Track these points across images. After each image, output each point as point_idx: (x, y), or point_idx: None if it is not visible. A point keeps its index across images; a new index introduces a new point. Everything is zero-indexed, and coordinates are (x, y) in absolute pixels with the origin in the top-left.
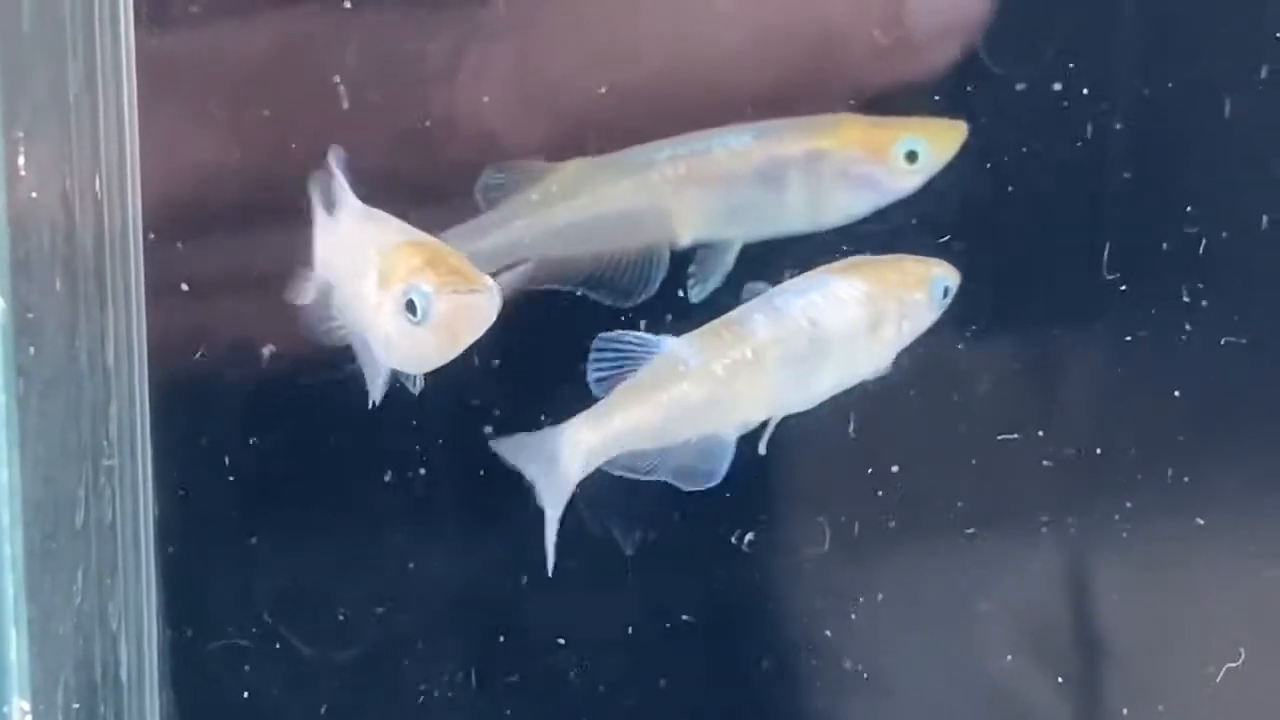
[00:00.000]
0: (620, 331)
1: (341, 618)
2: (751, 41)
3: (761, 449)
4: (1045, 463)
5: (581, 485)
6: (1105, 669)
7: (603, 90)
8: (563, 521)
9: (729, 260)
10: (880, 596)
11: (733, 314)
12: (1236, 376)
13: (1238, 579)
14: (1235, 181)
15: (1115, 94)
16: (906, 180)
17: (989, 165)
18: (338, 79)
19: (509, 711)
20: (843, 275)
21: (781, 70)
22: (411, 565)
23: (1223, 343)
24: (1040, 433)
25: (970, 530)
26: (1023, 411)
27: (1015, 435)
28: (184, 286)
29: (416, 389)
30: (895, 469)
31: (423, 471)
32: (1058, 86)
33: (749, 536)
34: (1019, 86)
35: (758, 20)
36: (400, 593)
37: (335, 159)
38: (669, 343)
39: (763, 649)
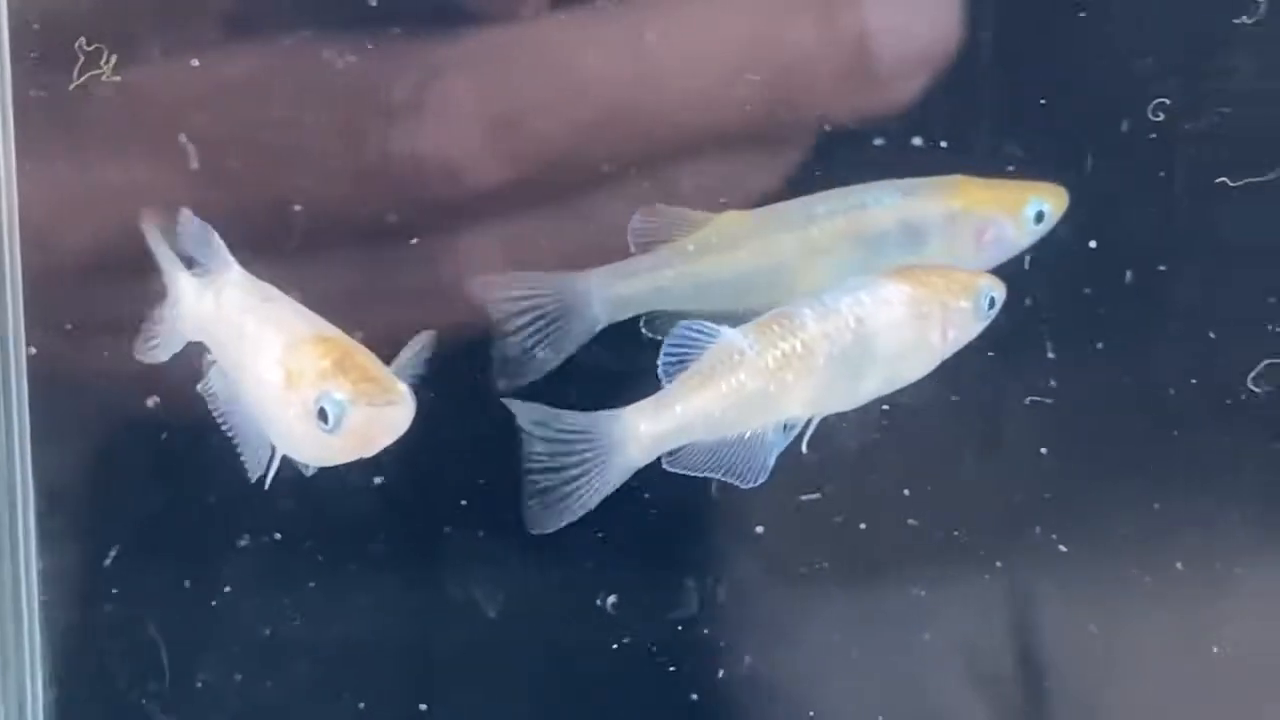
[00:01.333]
0: (690, 322)
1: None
2: (715, 75)
3: (804, 448)
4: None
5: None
6: (1046, 699)
7: (565, 125)
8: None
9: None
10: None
11: (783, 308)
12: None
13: (1180, 611)
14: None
15: None
16: (1029, 238)
17: None
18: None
19: None
20: (891, 278)
21: (746, 104)
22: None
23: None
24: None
25: (915, 565)
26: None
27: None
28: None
29: (309, 472)
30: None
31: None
32: None
33: (611, 599)
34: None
35: (722, 54)
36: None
37: (191, 220)
38: (726, 332)
39: (698, 684)
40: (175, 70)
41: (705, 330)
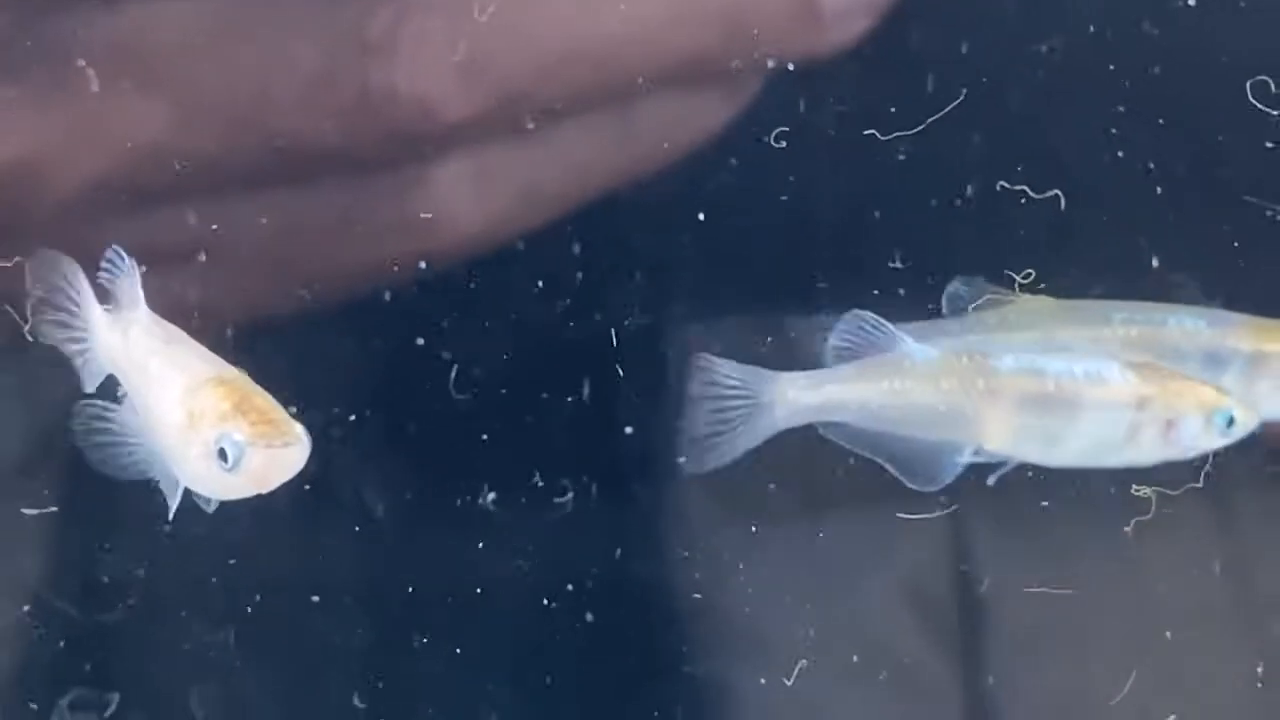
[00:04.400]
0: (871, 315)
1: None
2: (670, 16)
3: (990, 481)
4: None
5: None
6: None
7: (528, 63)
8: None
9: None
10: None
11: (988, 347)
12: None
13: (1119, 551)
14: None
15: None
16: None
17: None
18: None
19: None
20: (1126, 366)
21: (698, 43)
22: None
23: None
24: None
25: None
26: None
27: None
28: None
29: (209, 508)
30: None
31: None
32: None
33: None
34: None
35: None
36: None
37: (118, 256)
38: (910, 344)
39: (646, 616)
40: (157, 9)
41: (882, 330)
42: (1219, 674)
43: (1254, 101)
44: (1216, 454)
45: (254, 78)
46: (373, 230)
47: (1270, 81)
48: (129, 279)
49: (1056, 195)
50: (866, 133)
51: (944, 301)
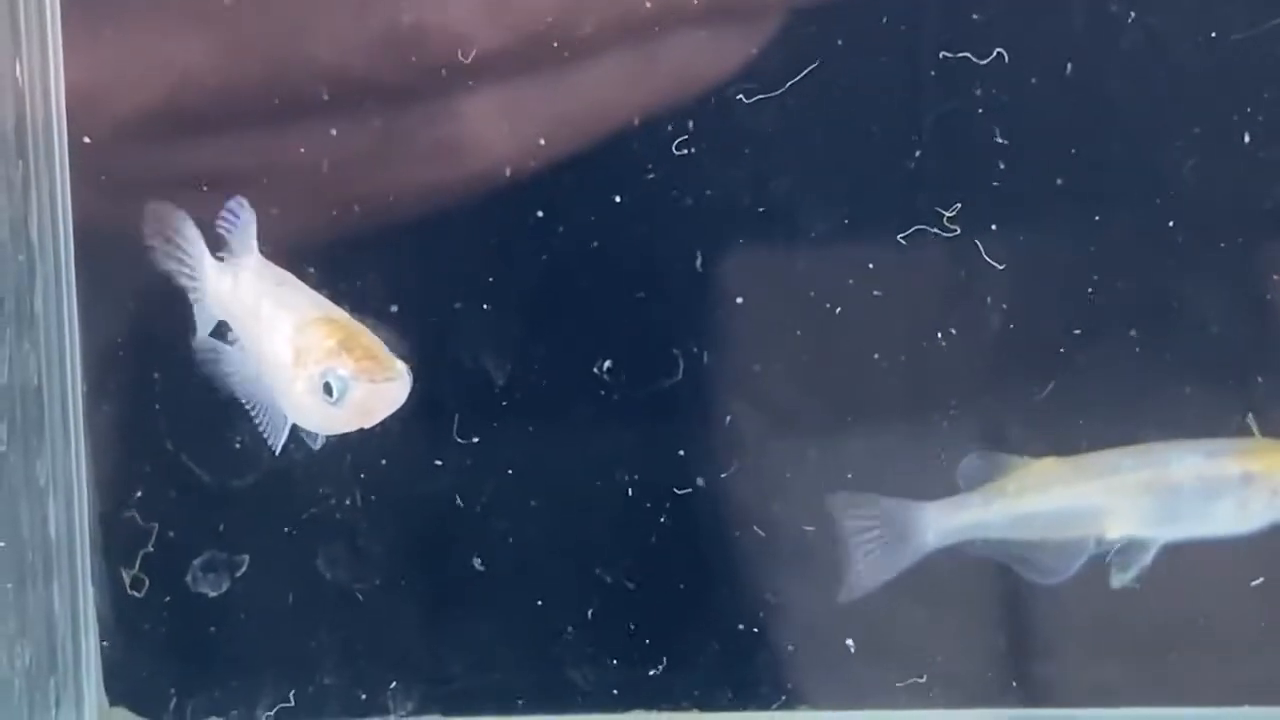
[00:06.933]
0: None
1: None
2: None
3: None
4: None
5: None
6: None
7: None
8: None
9: (1149, 557)
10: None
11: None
12: None
13: None
14: None
15: None
16: None
17: None
18: None
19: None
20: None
21: None
22: None
23: None
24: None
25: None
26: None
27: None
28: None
29: (317, 445)
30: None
31: None
32: None
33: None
34: None
35: None
36: None
37: (239, 205)
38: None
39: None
40: None
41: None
42: None
43: None
44: None
45: (290, 11)
46: (406, 159)
47: None
48: (245, 226)
49: None
50: None
51: (959, 477)
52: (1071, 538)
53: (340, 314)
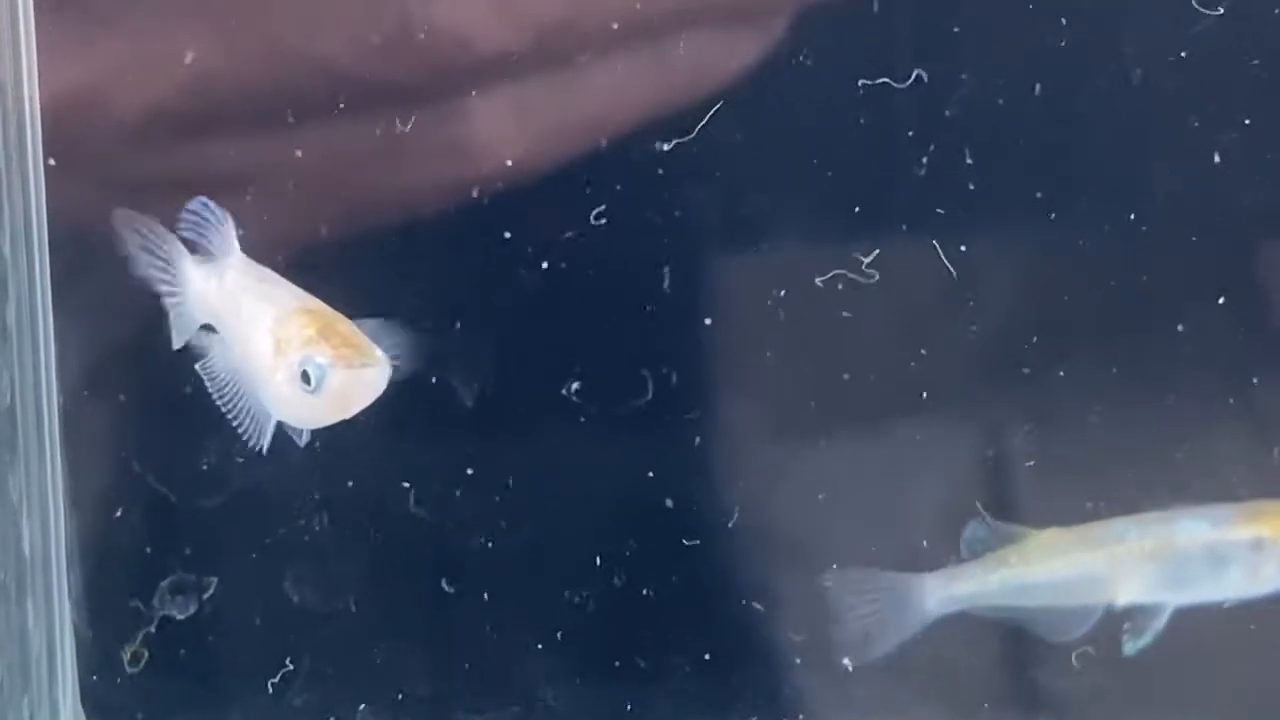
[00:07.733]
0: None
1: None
2: None
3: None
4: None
5: None
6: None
7: None
8: None
9: (1161, 622)
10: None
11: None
12: None
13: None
14: None
15: None
16: None
17: None
18: None
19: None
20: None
21: None
22: None
23: None
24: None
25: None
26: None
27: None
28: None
29: (302, 441)
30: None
31: None
32: None
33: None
34: None
35: None
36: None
37: (203, 206)
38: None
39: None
40: None
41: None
42: None
43: None
44: None
45: (300, 9)
46: (415, 159)
47: None
48: (223, 226)
49: None
50: None
51: (963, 546)
52: (1079, 604)
53: (319, 305)
